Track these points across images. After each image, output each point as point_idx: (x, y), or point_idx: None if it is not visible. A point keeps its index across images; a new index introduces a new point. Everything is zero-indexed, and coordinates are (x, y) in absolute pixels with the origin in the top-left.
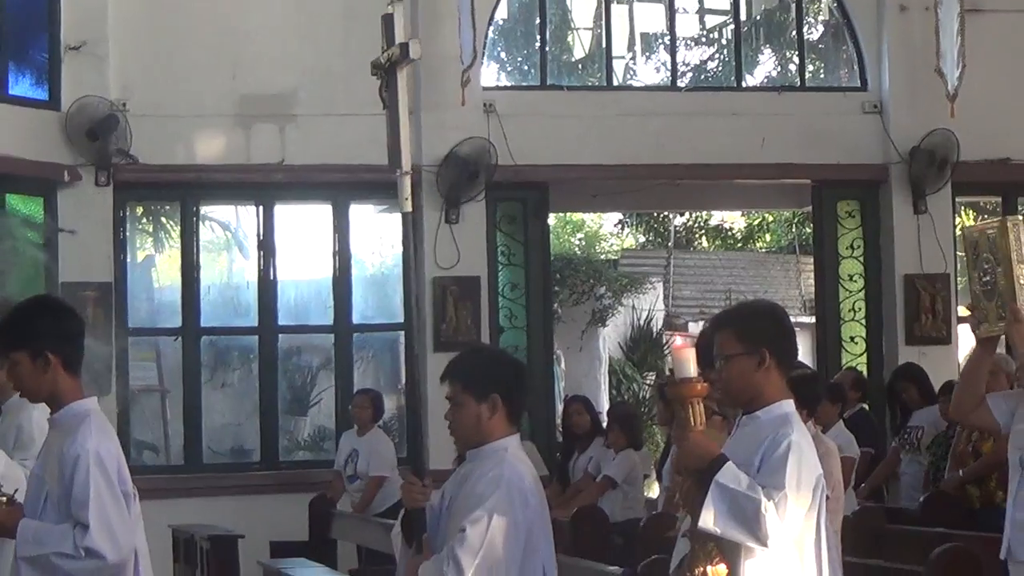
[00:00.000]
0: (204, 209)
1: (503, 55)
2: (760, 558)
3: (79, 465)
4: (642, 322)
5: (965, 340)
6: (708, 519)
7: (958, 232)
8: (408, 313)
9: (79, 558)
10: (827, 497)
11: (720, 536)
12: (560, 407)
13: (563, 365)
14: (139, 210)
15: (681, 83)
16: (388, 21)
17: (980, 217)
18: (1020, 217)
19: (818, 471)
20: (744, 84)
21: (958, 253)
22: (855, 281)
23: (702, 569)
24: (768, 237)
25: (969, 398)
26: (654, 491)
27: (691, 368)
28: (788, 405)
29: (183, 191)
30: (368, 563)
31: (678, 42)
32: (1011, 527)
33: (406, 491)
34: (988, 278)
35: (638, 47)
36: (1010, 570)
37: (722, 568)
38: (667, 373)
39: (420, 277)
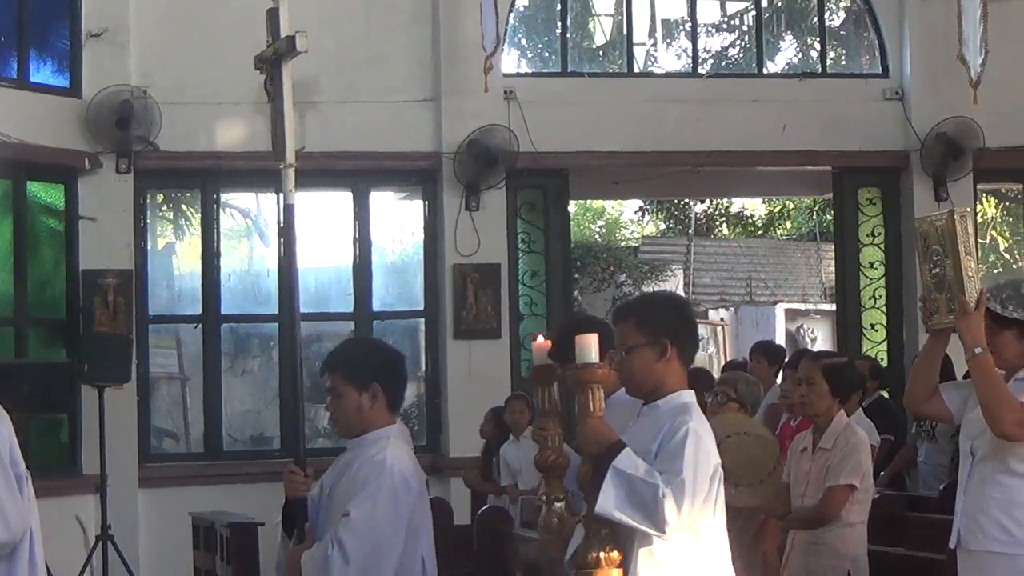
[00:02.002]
0: (224, 196)
1: (524, 42)
2: (655, 545)
3: None
4: None
5: None
6: (605, 504)
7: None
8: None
9: None
10: (855, 488)
11: (617, 522)
12: None
13: None
14: (159, 197)
15: (702, 70)
16: (273, 15)
17: (1001, 204)
18: (968, 209)
19: (716, 460)
20: (765, 71)
21: (979, 240)
22: (876, 268)
23: (595, 555)
24: (789, 224)
25: (922, 389)
26: None
27: (593, 354)
28: (688, 395)
29: (203, 178)
30: None
31: (699, 28)
32: (962, 516)
33: (287, 482)
34: (938, 270)
35: (659, 33)
36: (959, 559)
37: (615, 554)
38: None
39: (440, 264)
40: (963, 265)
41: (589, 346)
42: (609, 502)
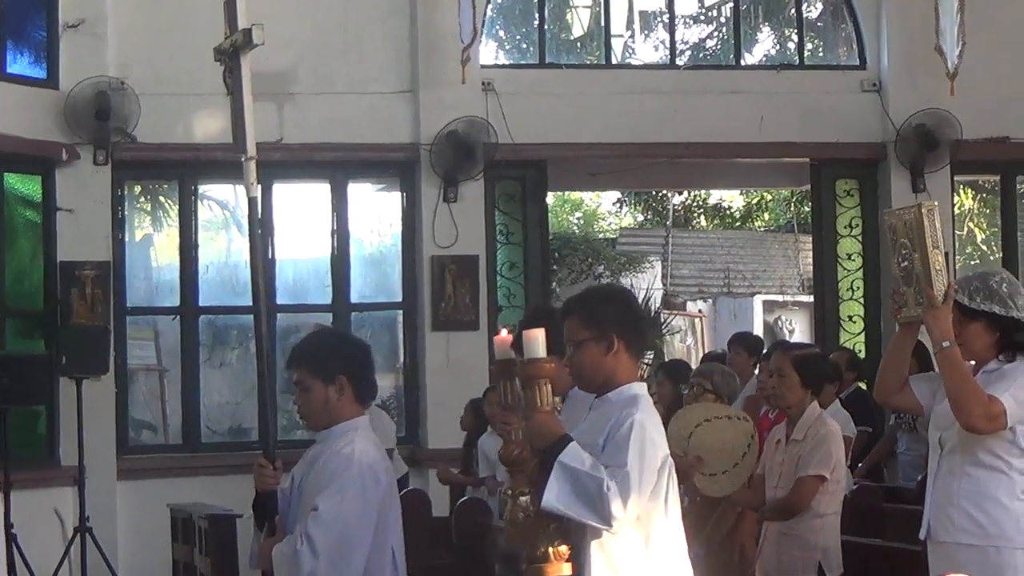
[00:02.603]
0: (202, 188)
1: (501, 33)
2: (605, 538)
3: None
4: (640, 301)
5: None
6: (550, 499)
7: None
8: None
9: None
10: (824, 479)
11: (564, 516)
12: None
13: None
14: (137, 189)
15: (680, 61)
16: (230, 6)
17: (978, 196)
18: (935, 203)
19: (664, 451)
20: (743, 62)
21: (956, 232)
22: (853, 260)
23: (544, 549)
24: (766, 216)
25: (892, 382)
26: None
27: (540, 349)
28: (639, 387)
29: (181, 170)
30: None
31: (677, 20)
32: (931, 507)
33: (257, 475)
34: (906, 263)
35: (637, 25)
36: (929, 550)
37: (563, 548)
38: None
39: (418, 256)
40: (931, 259)
41: (536, 341)
42: (555, 497)
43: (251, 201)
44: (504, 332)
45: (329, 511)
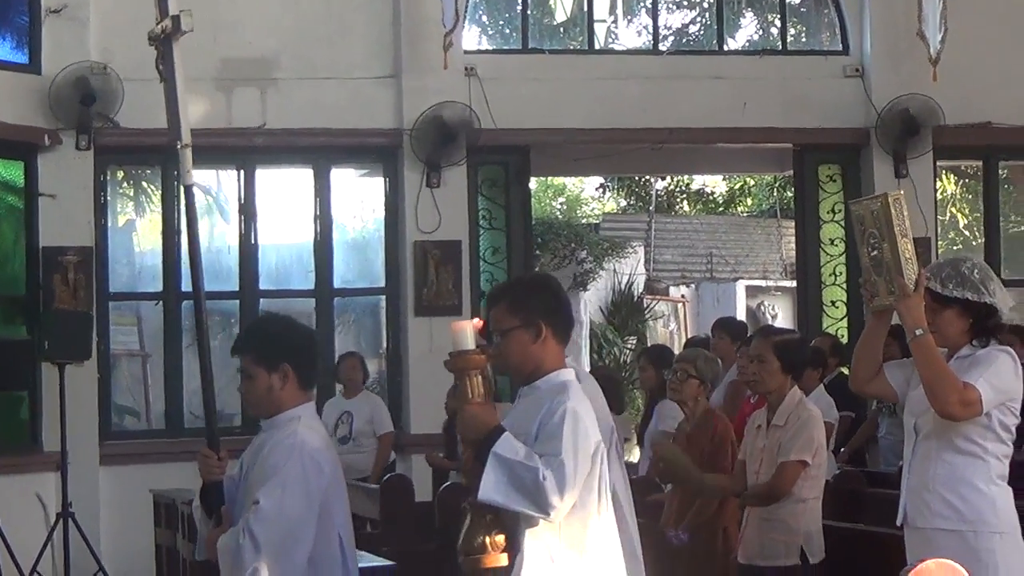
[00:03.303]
0: None
1: (484, 18)
2: (541, 526)
3: None
4: (623, 286)
5: None
6: (487, 490)
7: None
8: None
9: None
10: (806, 464)
11: (502, 507)
12: None
13: None
14: (120, 174)
15: (662, 47)
16: None
17: (961, 181)
18: (901, 192)
19: (596, 437)
20: (726, 48)
21: (939, 217)
22: (836, 245)
23: (480, 540)
24: (749, 201)
25: (865, 369)
26: (635, 455)
27: (469, 340)
28: (567, 374)
29: (164, 155)
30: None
31: (660, 5)
32: (907, 493)
33: (201, 464)
34: (876, 252)
35: (619, 10)
36: (906, 536)
37: (500, 538)
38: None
39: (401, 241)
40: (900, 247)
41: (465, 333)
42: (491, 488)
43: (186, 189)
44: (477, 321)
45: (271, 506)
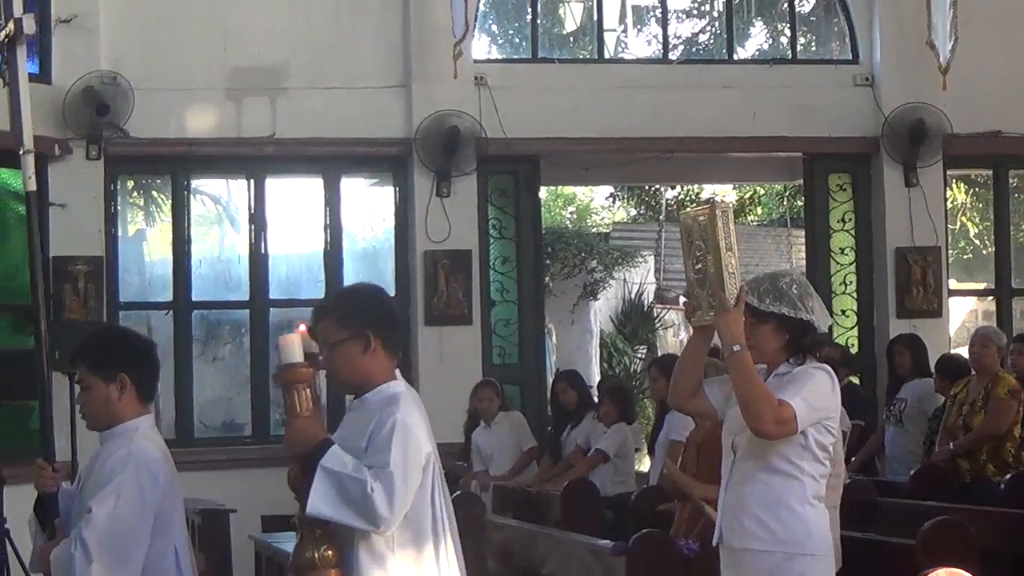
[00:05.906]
0: (195, 183)
1: (494, 28)
2: (373, 539)
3: None
4: (633, 295)
5: (956, 314)
6: (316, 504)
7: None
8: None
9: None
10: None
11: (331, 521)
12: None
13: (555, 339)
14: (130, 184)
15: (672, 56)
16: None
17: (971, 190)
18: (729, 204)
19: (427, 449)
20: (735, 57)
21: (949, 226)
22: (846, 254)
23: (310, 555)
24: (759, 210)
25: (686, 386)
26: (645, 465)
27: (297, 354)
28: (397, 386)
29: (174, 165)
30: None
31: (669, 14)
32: (723, 513)
33: (36, 476)
34: (700, 266)
35: (629, 20)
36: (721, 556)
37: (330, 553)
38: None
39: (411, 251)
40: (724, 261)
41: (292, 346)
42: (319, 501)
43: (28, 195)
44: (303, 327)
45: (102, 514)
